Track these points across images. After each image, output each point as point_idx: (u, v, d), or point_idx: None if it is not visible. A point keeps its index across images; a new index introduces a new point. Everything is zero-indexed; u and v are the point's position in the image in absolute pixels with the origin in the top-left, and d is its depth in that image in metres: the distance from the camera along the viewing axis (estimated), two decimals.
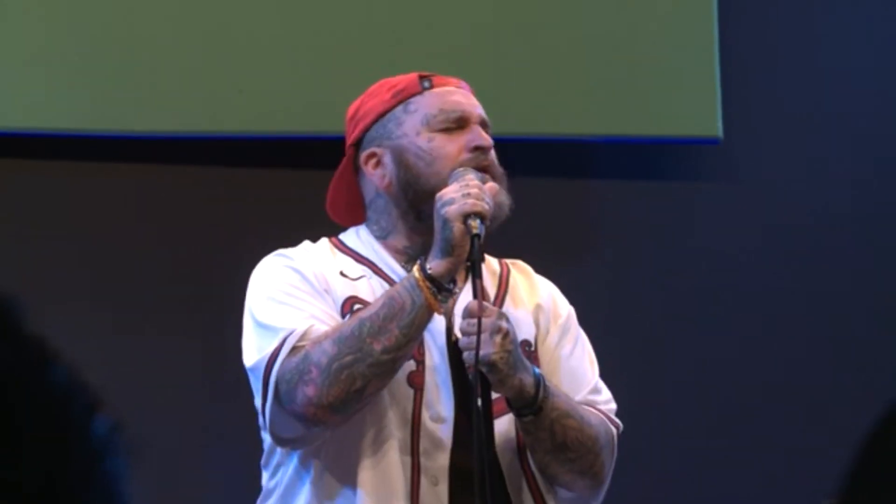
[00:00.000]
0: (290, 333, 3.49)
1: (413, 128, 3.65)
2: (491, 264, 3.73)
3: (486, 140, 3.61)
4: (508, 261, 3.80)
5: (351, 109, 3.76)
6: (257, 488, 3.69)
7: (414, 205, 3.62)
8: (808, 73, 5.96)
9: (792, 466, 5.05)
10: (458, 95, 3.69)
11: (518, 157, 4.96)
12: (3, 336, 0.88)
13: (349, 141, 3.73)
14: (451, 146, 3.61)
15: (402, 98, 3.68)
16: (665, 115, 5.71)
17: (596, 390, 3.72)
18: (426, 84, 3.68)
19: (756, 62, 5.87)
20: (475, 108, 3.68)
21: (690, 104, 5.71)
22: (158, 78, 5.50)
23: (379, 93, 3.72)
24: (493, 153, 3.64)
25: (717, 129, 5.67)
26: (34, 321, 0.93)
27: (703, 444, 5.47)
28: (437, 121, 3.64)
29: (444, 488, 3.52)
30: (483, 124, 3.67)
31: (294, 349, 3.47)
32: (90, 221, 5.34)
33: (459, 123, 3.64)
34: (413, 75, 3.72)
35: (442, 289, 3.45)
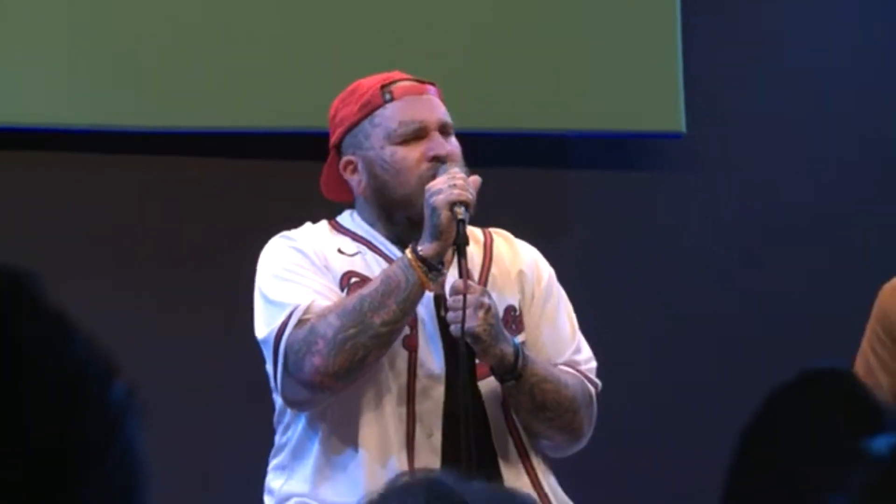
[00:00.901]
0: (296, 308, 3.55)
1: (378, 141, 3.67)
2: (476, 234, 3.76)
3: (443, 148, 3.65)
4: (491, 230, 3.83)
5: (332, 110, 3.81)
6: (270, 444, 3.75)
7: (385, 209, 3.70)
8: (767, 72, 5.88)
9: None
10: (418, 104, 3.71)
11: (500, 149, 5.01)
12: (24, 308, 0.85)
13: (331, 142, 3.77)
14: (411, 156, 3.65)
15: (367, 112, 3.69)
16: (633, 112, 5.67)
17: (577, 350, 3.78)
18: (387, 97, 3.69)
19: (717, 62, 5.78)
20: (434, 113, 3.70)
21: (656, 101, 5.68)
22: (189, 79, 5.37)
23: (350, 101, 3.75)
24: (454, 147, 3.68)
25: (680, 124, 5.63)
26: (58, 296, 0.90)
27: (664, 408, 5.43)
28: (398, 134, 3.66)
29: (437, 439, 3.60)
30: (443, 128, 3.70)
31: (300, 322, 3.53)
32: (116, 208, 5.29)
33: (418, 134, 3.66)
34: (377, 85, 3.73)
35: (432, 268, 3.53)
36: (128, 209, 5.25)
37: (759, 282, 5.65)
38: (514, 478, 3.62)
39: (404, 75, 3.77)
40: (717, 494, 4.47)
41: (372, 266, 3.65)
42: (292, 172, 5.03)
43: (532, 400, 3.61)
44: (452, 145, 3.69)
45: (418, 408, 3.61)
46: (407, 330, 3.61)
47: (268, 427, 3.76)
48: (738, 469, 1.06)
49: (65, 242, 5.05)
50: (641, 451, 5.21)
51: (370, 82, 3.74)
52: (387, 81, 3.72)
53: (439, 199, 3.50)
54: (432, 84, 3.79)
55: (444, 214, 3.49)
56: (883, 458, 0.92)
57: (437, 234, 3.51)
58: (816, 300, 5.48)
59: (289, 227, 3.78)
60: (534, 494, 3.59)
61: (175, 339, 5.09)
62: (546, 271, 3.83)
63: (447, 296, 3.56)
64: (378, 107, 3.69)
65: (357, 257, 3.69)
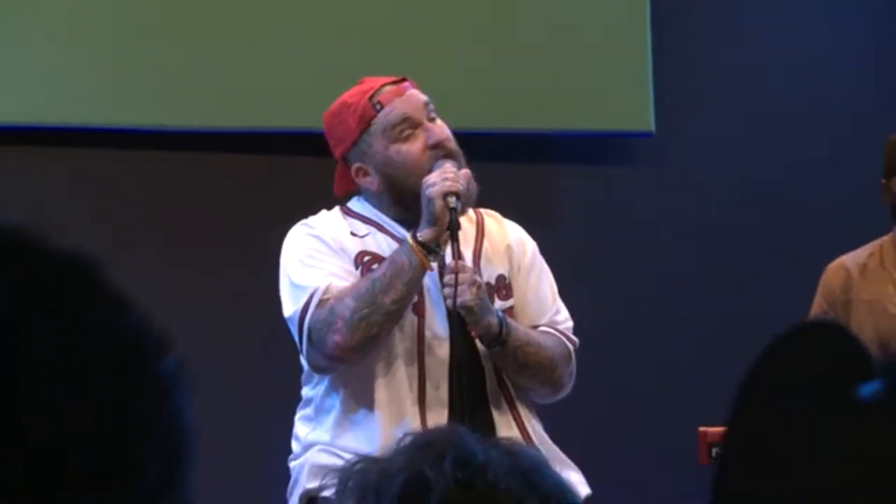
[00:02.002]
0: (316, 290, 3.60)
1: (381, 145, 3.70)
2: (469, 214, 3.79)
3: (439, 134, 3.70)
4: (482, 210, 3.86)
5: (325, 126, 3.83)
6: (298, 398, 3.80)
7: (398, 200, 3.73)
8: (731, 76, 5.84)
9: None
10: (404, 103, 3.72)
11: (492, 147, 5.00)
12: (89, 289, 0.83)
13: (336, 155, 3.79)
14: (413, 150, 3.68)
15: (364, 125, 3.71)
16: (609, 114, 5.64)
17: (556, 312, 3.83)
18: (377, 107, 3.70)
19: (684, 69, 5.73)
20: (419, 106, 3.73)
21: (629, 104, 5.64)
22: (222, 84, 5.31)
23: (344, 119, 3.75)
24: (443, 128, 3.73)
25: (650, 124, 5.62)
26: (116, 278, 0.87)
27: (630, 365, 5.42)
28: (395, 134, 3.69)
29: (444, 391, 3.64)
30: (427, 111, 3.72)
31: (321, 302, 3.58)
32: (163, 199, 5.28)
33: (412, 124, 3.69)
34: (364, 99, 3.72)
35: (430, 251, 3.59)
36: (172, 202, 5.23)
37: (722, 265, 5.62)
38: (504, 423, 3.68)
39: (381, 80, 3.78)
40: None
41: (381, 244, 3.70)
42: (303, 166, 5.00)
43: (515, 361, 3.68)
44: (440, 126, 3.73)
45: (427, 365, 3.65)
46: (415, 297, 3.65)
47: (296, 383, 3.81)
48: (735, 423, 0.99)
49: (120, 232, 4.99)
50: (612, 402, 5.21)
51: (356, 97, 3.74)
52: (371, 92, 3.73)
53: (434, 191, 3.55)
54: (405, 79, 3.80)
55: (439, 204, 3.55)
56: (872, 402, 0.90)
57: (433, 221, 3.56)
58: (773, 282, 5.42)
59: (308, 210, 3.83)
60: (520, 437, 3.63)
61: (214, 312, 5.09)
62: (530, 246, 3.88)
63: (443, 274, 3.62)
64: (372, 117, 3.70)
65: (368, 237, 3.73)
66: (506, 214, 3.96)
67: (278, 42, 5.32)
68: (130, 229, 5.08)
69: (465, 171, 3.65)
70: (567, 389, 3.80)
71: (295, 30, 5.34)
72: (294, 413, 3.80)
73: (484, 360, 3.71)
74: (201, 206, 5.25)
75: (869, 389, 0.91)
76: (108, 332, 0.83)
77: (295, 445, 3.75)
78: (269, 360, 4.56)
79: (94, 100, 5.23)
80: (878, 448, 0.89)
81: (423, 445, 1.51)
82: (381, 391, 3.63)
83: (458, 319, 3.65)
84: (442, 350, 3.67)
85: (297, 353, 3.75)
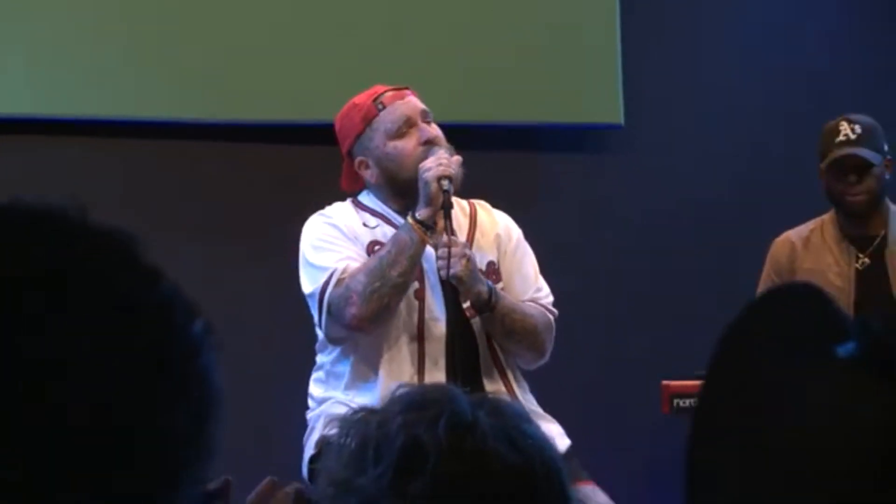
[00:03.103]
0: (334, 271, 3.62)
1: (381, 141, 3.73)
2: (462, 206, 3.83)
3: (430, 132, 3.73)
4: (474, 201, 3.90)
5: (336, 125, 3.85)
6: (313, 362, 3.82)
7: (395, 189, 3.75)
8: (696, 70, 5.76)
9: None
10: (403, 106, 3.77)
11: (479, 138, 4.97)
12: (126, 262, 0.83)
13: (343, 150, 3.82)
14: (408, 145, 3.72)
15: (367, 122, 3.75)
16: (582, 108, 5.57)
17: (538, 289, 3.85)
18: (380, 107, 3.76)
19: (651, 65, 5.66)
20: (416, 108, 3.78)
21: (601, 99, 5.56)
22: (254, 81, 5.21)
23: (351, 116, 3.79)
24: (437, 130, 3.76)
25: (619, 117, 5.55)
26: (151, 254, 0.86)
27: (599, 331, 5.40)
28: (393, 131, 3.73)
29: (441, 365, 3.66)
30: (424, 116, 3.76)
31: (338, 281, 3.61)
32: (194, 185, 5.25)
33: (408, 125, 3.73)
34: (370, 100, 3.76)
35: (428, 228, 3.62)
36: (204, 188, 5.20)
37: (681, 242, 5.59)
38: (495, 390, 3.68)
39: (387, 87, 3.81)
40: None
41: (388, 235, 3.71)
42: (319, 156, 4.94)
43: (503, 326, 3.70)
44: (434, 128, 3.76)
45: (426, 343, 3.68)
46: (416, 284, 3.67)
47: (311, 349, 3.83)
48: (713, 379, 0.93)
49: (157, 212, 4.95)
50: (587, 364, 5.20)
51: (363, 99, 3.79)
52: (376, 95, 3.77)
53: (429, 175, 3.59)
54: (408, 88, 3.85)
55: (434, 186, 3.58)
56: (849, 360, 0.88)
57: (429, 201, 3.60)
58: (730, 260, 5.32)
59: (324, 201, 3.84)
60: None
61: (239, 285, 5.06)
62: (515, 232, 3.90)
63: (438, 249, 3.63)
64: (374, 116, 3.75)
65: (377, 229, 3.74)
66: (490, 197, 3.98)
67: (303, 44, 5.26)
68: (166, 210, 5.05)
69: (457, 158, 3.69)
70: (548, 355, 3.82)
71: (315, 34, 5.29)
72: (306, 375, 3.83)
73: (477, 336, 3.73)
74: (228, 192, 5.23)
75: (845, 349, 0.89)
76: (142, 298, 0.82)
77: (310, 402, 3.78)
78: (286, 329, 4.53)
79: (137, 95, 5.18)
80: (853, 403, 0.87)
81: (419, 406, 1.49)
82: (384, 366, 3.66)
83: (454, 297, 3.67)
84: (439, 330, 3.68)
85: (310, 323, 3.76)
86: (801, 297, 0.94)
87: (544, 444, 1.49)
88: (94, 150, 5.09)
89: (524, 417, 1.53)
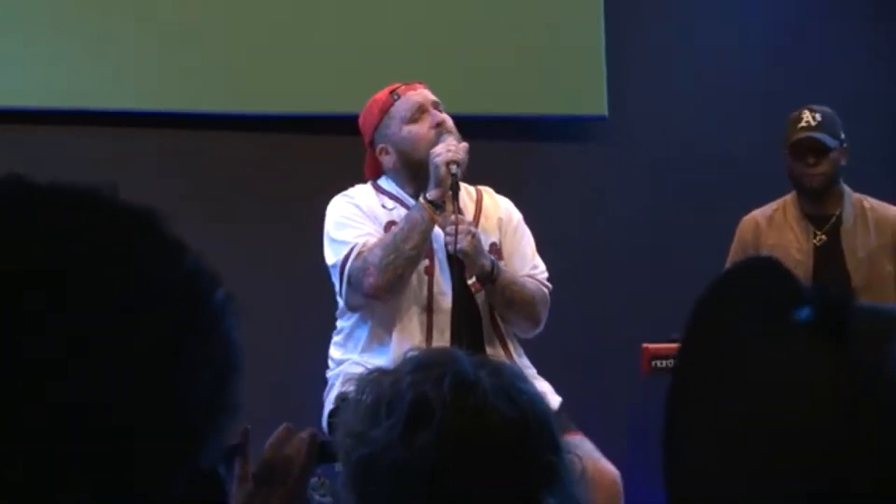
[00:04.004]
0: (354, 245, 3.63)
1: (397, 126, 3.74)
2: (469, 191, 3.83)
3: (439, 117, 3.74)
4: (480, 187, 3.89)
5: (360, 121, 3.84)
6: (333, 326, 3.82)
7: (410, 171, 3.74)
8: (676, 66, 5.74)
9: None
10: (416, 95, 3.78)
11: (482, 127, 4.94)
12: (153, 235, 0.81)
13: (366, 141, 3.82)
14: (421, 129, 3.72)
15: (385, 111, 3.75)
16: (570, 100, 5.54)
17: (535, 266, 3.84)
18: (395, 97, 3.77)
19: (634, 62, 5.63)
20: (428, 97, 3.79)
21: (587, 92, 5.54)
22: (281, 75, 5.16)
23: (371, 110, 3.80)
24: (446, 117, 3.76)
25: (604, 108, 5.53)
26: (174, 227, 0.86)
27: (587, 303, 5.38)
28: (407, 117, 3.73)
29: (447, 335, 3.65)
30: (436, 105, 3.77)
31: (357, 255, 3.61)
32: (219, 170, 5.23)
33: (421, 111, 3.73)
34: (386, 93, 3.78)
35: (437, 207, 3.61)
36: (233, 173, 5.18)
37: (659, 222, 5.57)
38: (494, 353, 3.67)
39: (400, 83, 3.82)
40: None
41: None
42: (333, 145, 4.93)
43: (504, 297, 3.69)
44: (444, 115, 3.76)
45: (434, 314, 3.67)
46: (426, 262, 3.67)
47: (331, 315, 3.82)
48: (688, 344, 0.94)
49: (188, 194, 4.91)
50: (576, 330, 5.21)
51: (380, 95, 3.81)
52: (393, 89, 3.79)
53: (439, 160, 3.59)
54: (420, 82, 3.85)
55: (443, 170, 3.58)
56: (807, 324, 0.88)
57: (438, 183, 3.60)
58: (703, 236, 5.21)
59: (346, 183, 3.83)
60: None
61: (264, 257, 5.04)
62: (515, 216, 3.90)
63: (445, 227, 3.62)
64: (390, 105, 3.76)
65: (394, 211, 3.74)
66: (492, 181, 3.98)
67: (321, 43, 5.23)
68: (196, 191, 5.02)
69: (464, 145, 3.68)
70: (542, 325, 3.81)
71: (332, 36, 5.26)
72: (326, 339, 3.83)
73: (480, 308, 3.72)
74: (251, 176, 5.22)
75: (802, 314, 0.89)
76: (169, 268, 0.81)
77: (330, 363, 3.78)
78: (309, 296, 4.52)
79: (172, 89, 5.14)
80: (809, 363, 0.87)
81: (426, 367, 1.50)
82: (396, 333, 3.65)
83: (460, 273, 3.66)
84: (446, 303, 3.68)
85: (331, 292, 3.75)
86: (762, 269, 0.94)
87: (537, 400, 1.50)
88: (124, 140, 5.07)
89: (520, 377, 1.53)
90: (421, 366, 1.50)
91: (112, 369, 0.76)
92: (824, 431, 0.83)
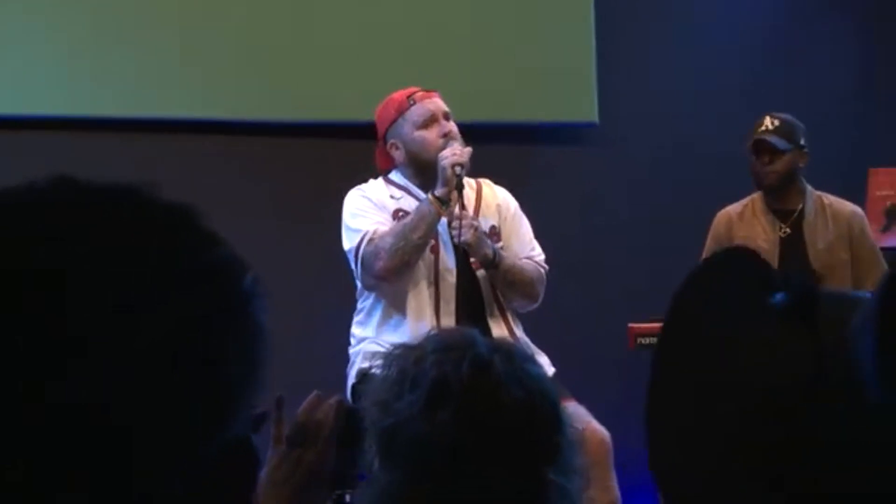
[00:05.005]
0: (367, 233, 3.62)
1: (410, 129, 3.72)
2: (471, 183, 3.80)
3: (447, 127, 3.72)
4: (480, 179, 3.87)
5: (376, 114, 3.81)
6: (349, 309, 3.80)
7: (418, 168, 3.73)
8: (661, 75, 5.68)
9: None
10: (430, 104, 3.75)
11: (483, 133, 4.92)
12: (189, 226, 0.81)
13: (379, 136, 3.80)
14: (430, 136, 3.70)
15: (401, 113, 3.73)
16: (563, 108, 5.54)
17: (532, 249, 3.83)
18: (411, 102, 3.75)
19: (623, 73, 5.60)
20: (440, 107, 3.76)
21: (579, 101, 5.53)
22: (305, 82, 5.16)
23: (388, 108, 3.76)
24: (453, 126, 3.73)
25: (594, 115, 5.54)
26: (210, 221, 0.84)
27: (580, 283, 5.35)
28: (419, 123, 3.71)
29: (452, 305, 3.65)
30: (445, 115, 3.75)
31: (369, 241, 3.60)
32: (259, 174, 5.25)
33: (433, 119, 3.71)
34: (404, 97, 3.75)
35: (443, 203, 3.61)
36: (261, 172, 5.17)
37: (642, 215, 5.55)
38: (496, 326, 3.68)
39: (418, 88, 3.80)
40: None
41: (411, 204, 3.71)
42: (353, 149, 4.93)
43: (505, 279, 3.69)
44: (452, 125, 3.75)
45: (440, 288, 3.66)
46: (432, 241, 3.66)
47: (352, 297, 3.81)
48: (670, 325, 0.92)
49: (219, 195, 4.89)
50: (569, 309, 5.17)
51: (399, 96, 3.78)
52: (410, 93, 3.77)
53: (446, 162, 3.59)
54: (435, 91, 3.83)
55: (449, 171, 3.58)
56: (780, 308, 0.86)
57: (445, 182, 3.60)
58: (681, 227, 5.13)
59: (360, 179, 3.82)
60: (508, 334, 3.66)
61: (290, 247, 5.02)
62: (513, 204, 3.89)
63: (451, 220, 3.63)
64: (406, 109, 3.74)
65: (402, 200, 3.73)
66: (493, 180, 3.95)
67: (348, 59, 5.21)
68: (227, 190, 4.98)
69: (468, 149, 3.68)
70: (539, 301, 3.80)
71: (345, 50, 5.24)
72: (343, 318, 3.82)
73: (481, 283, 3.70)
74: (277, 176, 5.20)
75: (776, 299, 0.87)
76: (203, 257, 0.80)
77: (352, 340, 3.78)
78: (329, 281, 4.51)
79: (206, 97, 5.12)
80: (782, 344, 0.85)
81: (447, 348, 1.50)
82: (410, 304, 3.64)
83: (463, 253, 3.66)
84: (451, 278, 3.67)
85: (348, 278, 3.75)
86: (737, 258, 0.92)
87: (544, 382, 1.50)
88: (166, 144, 5.05)
89: (530, 360, 1.53)
90: (442, 345, 1.50)
91: (151, 347, 0.75)
92: (792, 409, 0.82)
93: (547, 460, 1.43)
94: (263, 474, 1.55)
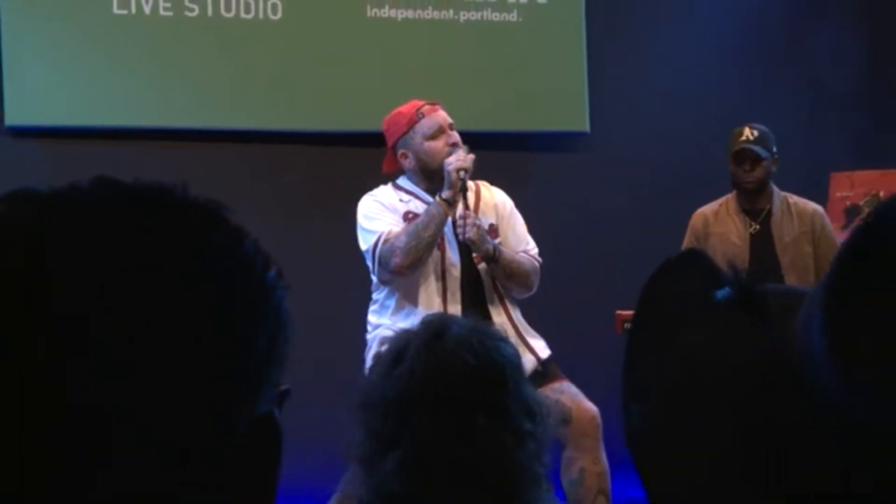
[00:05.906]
0: (381, 234, 3.61)
1: (419, 140, 3.70)
2: (470, 185, 3.78)
3: (454, 137, 3.71)
4: (478, 181, 3.86)
5: (385, 126, 3.79)
6: (369, 299, 3.79)
7: (425, 174, 3.72)
8: (648, 86, 5.66)
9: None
10: (437, 116, 3.74)
11: (483, 141, 4.91)
12: (216, 221, 0.79)
13: (389, 144, 3.79)
14: (438, 145, 3.69)
15: (411, 125, 3.71)
16: (557, 118, 5.53)
17: (527, 243, 3.82)
18: (420, 115, 3.72)
19: (613, 84, 5.59)
20: (445, 119, 3.75)
21: (570, 110, 5.53)
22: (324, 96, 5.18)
23: (398, 121, 3.74)
24: (457, 136, 3.73)
25: (586, 125, 5.54)
26: (237, 218, 0.82)
27: (570, 273, 5.37)
28: (428, 134, 3.70)
29: (458, 296, 3.65)
30: (450, 126, 3.74)
31: (385, 241, 3.59)
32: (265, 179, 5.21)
33: (441, 131, 3.70)
34: (413, 110, 3.72)
35: (449, 204, 3.60)
36: (283, 177, 5.17)
37: (628, 215, 5.53)
38: (496, 313, 3.69)
39: (424, 101, 3.79)
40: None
41: (419, 207, 3.70)
42: (363, 156, 4.89)
43: (505, 272, 3.69)
44: (456, 135, 3.74)
45: (447, 280, 3.66)
46: (439, 239, 3.66)
47: (367, 290, 3.80)
48: (638, 318, 0.91)
49: (247, 196, 4.94)
50: (562, 297, 5.17)
51: (407, 109, 3.76)
52: (418, 107, 3.74)
53: (451, 167, 3.60)
54: (437, 102, 3.82)
55: (454, 175, 3.59)
56: (723, 302, 0.86)
57: (450, 186, 3.60)
58: (665, 227, 5.04)
59: (372, 185, 3.80)
60: (507, 323, 3.66)
61: (309, 245, 5.02)
62: (509, 203, 3.87)
63: (456, 219, 3.63)
64: (416, 121, 3.72)
65: (410, 203, 3.72)
66: (492, 184, 3.95)
67: (365, 78, 5.22)
68: (259, 193, 5.00)
69: (472, 156, 3.67)
70: (534, 289, 3.80)
71: (358, 68, 5.24)
72: (359, 308, 3.82)
73: (483, 277, 3.71)
74: (297, 181, 5.20)
75: (721, 294, 0.87)
76: (230, 250, 0.79)
77: (368, 327, 3.78)
78: (347, 275, 4.50)
79: (232, 108, 5.13)
80: (729, 336, 0.85)
81: (426, 325, 1.54)
82: (420, 295, 3.65)
83: (466, 249, 3.67)
84: (456, 272, 3.67)
85: (366, 273, 3.74)
86: (693, 258, 0.92)
87: (498, 352, 1.50)
88: (204, 153, 5.06)
89: (497, 339, 1.53)
90: (423, 324, 1.55)
91: (182, 334, 0.75)
92: (742, 399, 0.81)
93: (490, 414, 1.45)
94: None
